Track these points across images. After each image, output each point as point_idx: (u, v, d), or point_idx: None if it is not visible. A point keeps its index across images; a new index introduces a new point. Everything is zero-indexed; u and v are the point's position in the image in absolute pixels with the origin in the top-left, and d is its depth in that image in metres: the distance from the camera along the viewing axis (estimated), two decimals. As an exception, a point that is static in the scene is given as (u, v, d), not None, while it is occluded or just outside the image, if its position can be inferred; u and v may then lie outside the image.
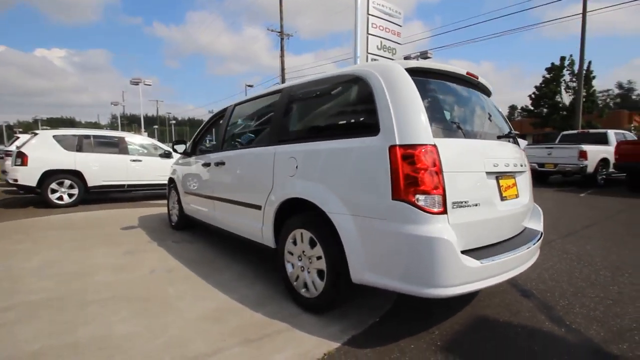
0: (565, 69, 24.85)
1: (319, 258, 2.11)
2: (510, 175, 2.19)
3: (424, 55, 18.60)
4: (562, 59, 25.07)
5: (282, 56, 28.40)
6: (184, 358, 1.72)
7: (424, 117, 1.75)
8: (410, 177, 1.66)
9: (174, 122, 59.77)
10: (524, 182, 2.32)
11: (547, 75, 25.59)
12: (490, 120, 2.32)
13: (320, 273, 2.12)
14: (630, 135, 11.09)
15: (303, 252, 2.24)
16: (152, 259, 3.29)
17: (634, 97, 53.53)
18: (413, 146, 1.69)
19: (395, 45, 13.13)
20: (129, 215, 5.62)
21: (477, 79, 2.34)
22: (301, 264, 2.27)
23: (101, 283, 2.69)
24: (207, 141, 4.23)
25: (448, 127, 1.91)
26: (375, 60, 12.29)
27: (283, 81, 28.63)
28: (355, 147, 1.91)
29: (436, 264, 1.61)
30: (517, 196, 2.20)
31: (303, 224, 2.22)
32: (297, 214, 2.33)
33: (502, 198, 2.03)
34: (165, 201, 7.23)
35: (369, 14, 11.99)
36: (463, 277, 1.65)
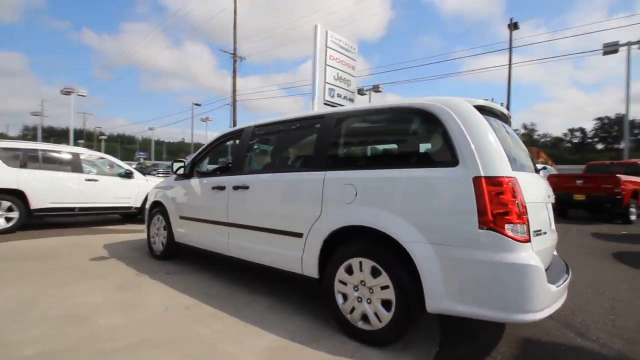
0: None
1: (384, 288, 2.07)
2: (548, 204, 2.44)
3: (375, 89, 20.05)
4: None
5: (234, 77, 28.15)
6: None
7: (501, 150, 1.90)
8: (499, 207, 1.77)
9: (104, 137, 54.22)
10: (551, 211, 2.60)
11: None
12: (524, 152, 2.58)
13: (385, 303, 2.08)
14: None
15: (362, 282, 2.18)
16: (155, 295, 2.88)
17: (534, 136, 63.44)
18: (498, 178, 1.80)
19: (350, 77, 14.01)
20: (89, 243, 4.88)
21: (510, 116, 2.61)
22: (358, 294, 2.20)
23: (112, 326, 2.27)
24: (211, 163, 3.94)
25: (512, 161, 2.09)
26: (332, 89, 12.93)
27: (234, 102, 28.24)
28: (433, 177, 1.97)
29: (529, 289, 1.70)
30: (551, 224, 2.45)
31: (364, 253, 2.17)
32: (351, 242, 2.28)
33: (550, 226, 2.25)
34: (124, 226, 6.53)
35: (327, 47, 12.70)
36: (547, 301, 1.76)
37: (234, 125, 28.59)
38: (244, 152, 3.19)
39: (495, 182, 1.80)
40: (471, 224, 1.80)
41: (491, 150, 1.87)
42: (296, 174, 2.66)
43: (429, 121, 2.13)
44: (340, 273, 2.29)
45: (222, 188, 3.19)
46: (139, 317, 2.43)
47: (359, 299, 2.20)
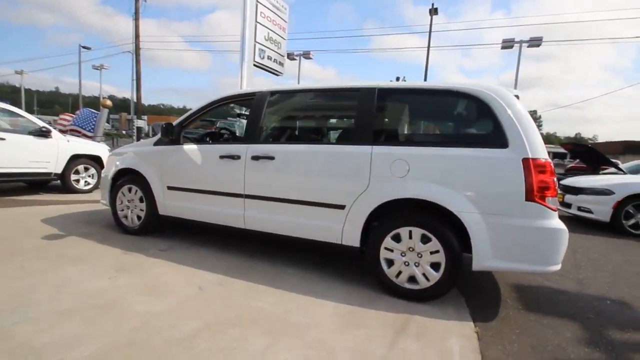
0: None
1: (434, 252, 2.35)
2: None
3: (306, 55, 19.68)
4: (397, 78, 31.38)
5: (136, 19, 24.00)
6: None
7: (540, 136, 2.28)
8: (541, 183, 2.16)
9: None
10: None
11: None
12: None
13: (433, 265, 2.36)
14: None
15: (410, 248, 2.41)
16: (170, 274, 2.60)
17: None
18: (542, 160, 2.19)
19: (281, 40, 13.52)
20: (15, 219, 3.92)
21: None
22: (405, 259, 2.43)
23: (157, 313, 2.02)
24: (206, 128, 3.48)
25: None
26: (262, 50, 12.34)
27: (137, 49, 24.23)
28: (486, 157, 2.25)
29: (559, 247, 2.18)
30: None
31: (414, 223, 2.39)
32: (397, 213, 2.46)
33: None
34: (38, 196, 5.39)
35: (258, 2, 11.89)
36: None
37: (138, 77, 24.75)
38: (260, 119, 2.97)
39: (539, 163, 2.18)
40: (519, 197, 2.17)
41: (535, 136, 2.24)
42: (338, 147, 2.65)
43: (479, 106, 2.38)
44: (387, 241, 2.47)
45: (235, 157, 2.94)
46: (177, 300, 2.21)
47: (406, 264, 2.44)
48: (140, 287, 2.35)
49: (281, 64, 13.29)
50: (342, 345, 1.83)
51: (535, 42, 15.38)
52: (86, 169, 6.06)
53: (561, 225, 2.20)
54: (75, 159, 5.84)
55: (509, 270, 2.27)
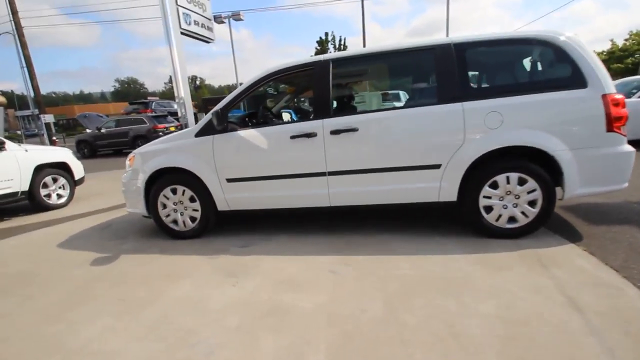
0: (330, 42, 30.99)
1: (530, 192, 2.61)
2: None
3: (236, 17, 18.00)
4: (326, 34, 31.01)
5: (8, -9, 19.40)
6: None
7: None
8: (618, 115, 2.48)
9: None
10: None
11: (318, 48, 31.01)
12: None
13: (530, 203, 2.64)
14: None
15: (507, 192, 2.64)
16: (285, 267, 2.49)
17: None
18: (616, 94, 2.49)
19: (205, 1, 12.31)
20: (25, 252, 3.25)
21: None
22: (504, 202, 2.67)
23: (332, 306, 1.96)
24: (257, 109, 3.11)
25: None
26: (187, 14, 11.18)
27: (18, 26, 19.79)
28: (571, 98, 2.49)
29: (630, 166, 2.58)
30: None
31: (511, 168, 2.59)
32: (491, 163, 2.63)
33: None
34: (27, 219, 4.61)
35: None
36: (628, 173, 2.73)
37: (28, 63, 20.49)
38: (328, 91, 2.79)
39: (615, 98, 2.48)
40: (601, 129, 2.48)
41: (606, 75, 2.52)
42: (427, 109, 2.66)
43: (556, 51, 2.56)
44: (485, 190, 2.67)
45: (310, 135, 2.78)
46: (328, 289, 2.16)
47: (505, 207, 2.68)
48: (273, 285, 2.23)
49: (209, 28, 12.07)
50: (515, 287, 2.02)
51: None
52: (55, 180, 5.11)
53: (631, 148, 2.60)
54: (39, 170, 4.88)
55: (592, 194, 2.65)
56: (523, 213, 2.66)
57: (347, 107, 2.99)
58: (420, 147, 2.69)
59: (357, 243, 2.83)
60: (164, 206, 3.24)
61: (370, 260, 2.49)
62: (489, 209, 2.72)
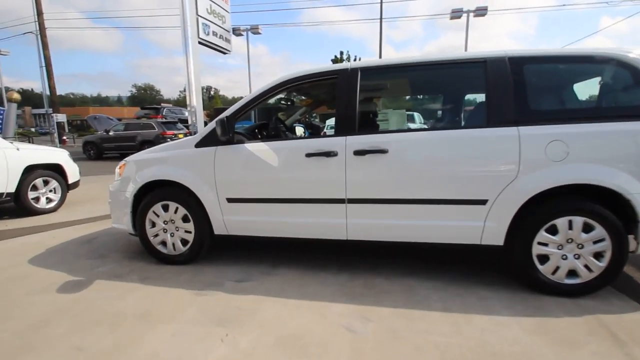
0: (345, 61, 31.12)
1: (597, 241, 2.09)
2: None
3: (254, 30, 18.09)
4: (341, 53, 31.23)
5: (35, -8, 19.94)
6: None
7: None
8: None
9: None
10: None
11: (334, 65, 31.33)
12: None
13: (597, 255, 2.12)
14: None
15: (568, 239, 2.13)
16: (289, 317, 2.00)
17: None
18: None
19: (225, 13, 12.30)
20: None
21: None
22: (563, 252, 2.15)
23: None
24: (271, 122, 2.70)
25: None
26: (206, 25, 11.11)
27: (41, 26, 20.23)
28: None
29: None
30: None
31: (576, 210, 2.09)
32: (550, 202, 2.14)
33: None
34: (7, 223, 4.15)
35: None
36: None
37: (47, 63, 20.78)
38: (354, 104, 2.36)
39: None
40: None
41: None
42: (473, 132, 2.20)
43: (631, 72, 2.10)
44: (541, 235, 2.17)
45: (330, 154, 2.34)
46: (346, 356, 1.65)
47: (564, 257, 2.16)
48: (273, 345, 1.73)
49: (227, 40, 12.05)
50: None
51: (480, 11, 16.10)
52: (46, 183, 4.73)
53: None
54: (29, 170, 4.51)
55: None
56: (586, 266, 2.14)
57: (375, 125, 2.56)
58: (463, 177, 2.21)
59: (377, 288, 2.32)
60: (153, 224, 2.79)
61: (398, 316, 1.98)
62: (543, 258, 2.21)
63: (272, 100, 2.94)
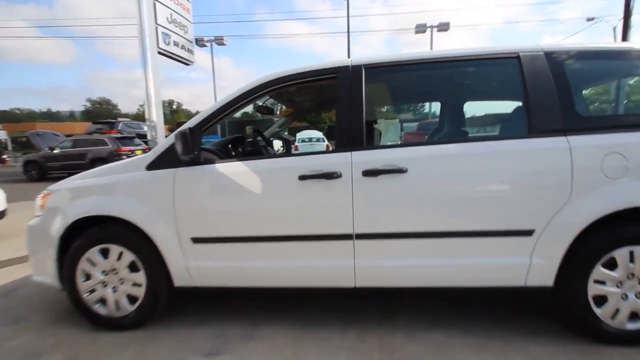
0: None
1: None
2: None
3: (219, 41, 17.32)
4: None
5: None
6: None
7: None
8: None
9: None
10: None
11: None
12: None
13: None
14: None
15: (630, 274, 1.71)
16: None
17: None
18: None
19: (187, 23, 11.66)
20: None
21: None
22: (623, 290, 1.73)
23: None
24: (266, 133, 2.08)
25: None
26: (166, 34, 10.45)
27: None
28: None
29: None
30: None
31: (636, 239, 1.69)
32: (605, 230, 1.72)
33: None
34: None
35: None
36: None
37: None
38: (361, 111, 1.83)
39: None
40: None
41: None
42: (514, 144, 1.74)
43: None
44: (598, 271, 1.73)
45: (331, 175, 1.77)
46: None
47: (624, 297, 1.74)
48: None
49: (190, 51, 11.35)
50: None
51: (443, 27, 16.68)
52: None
53: None
54: None
55: None
56: (653, 307, 1.73)
57: (389, 136, 2.06)
58: (502, 202, 1.73)
59: (400, 351, 1.75)
60: (87, 276, 2.05)
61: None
62: (600, 299, 1.77)
63: (246, 109, 2.35)
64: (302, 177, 1.80)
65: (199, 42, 16.62)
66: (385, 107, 2.45)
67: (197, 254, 1.94)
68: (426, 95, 2.21)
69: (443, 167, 1.76)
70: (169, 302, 2.09)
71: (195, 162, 1.90)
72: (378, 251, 1.82)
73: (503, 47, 1.88)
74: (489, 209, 1.74)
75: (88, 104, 76.29)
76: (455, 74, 1.96)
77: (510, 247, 1.75)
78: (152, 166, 1.97)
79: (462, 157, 1.76)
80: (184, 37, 10.95)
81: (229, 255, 1.92)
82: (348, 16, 16.94)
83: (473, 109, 2.21)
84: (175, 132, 1.81)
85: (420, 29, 16.62)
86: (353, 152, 1.80)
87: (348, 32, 17.35)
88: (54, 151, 11.25)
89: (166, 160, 1.94)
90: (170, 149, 1.90)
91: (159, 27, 9.59)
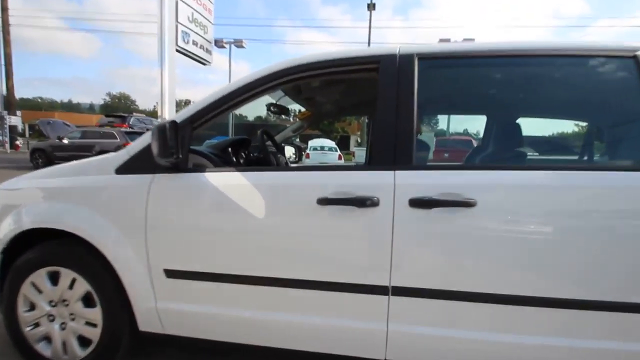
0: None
1: None
2: None
3: (238, 44, 17.17)
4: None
5: (0, -16, 18.53)
6: None
7: None
8: None
9: None
10: None
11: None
12: None
13: None
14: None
15: None
16: None
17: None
18: None
19: (207, 23, 11.60)
20: None
21: None
22: None
23: None
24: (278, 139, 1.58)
25: None
26: (186, 33, 10.39)
27: (4, 23, 18.61)
28: None
29: None
30: None
31: None
32: None
33: None
34: None
35: None
36: None
37: (8, 62, 19.04)
38: (409, 115, 1.32)
39: None
40: None
41: None
42: (634, 176, 1.19)
43: None
44: None
45: (363, 202, 1.24)
46: None
47: None
48: None
49: (208, 51, 11.27)
50: None
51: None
52: None
53: None
54: None
55: None
56: None
57: (450, 152, 1.52)
58: (622, 259, 1.18)
59: None
60: (31, 305, 1.55)
61: None
62: None
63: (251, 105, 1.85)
64: (323, 201, 1.27)
65: (218, 44, 16.46)
66: (439, 115, 1.94)
67: (171, 292, 1.42)
68: (500, 101, 1.66)
69: (534, 202, 1.20)
70: (134, 349, 1.58)
71: (179, 168, 1.40)
72: (423, 314, 1.27)
73: (614, 43, 1.34)
74: (599, 268, 1.18)
75: (107, 98, 77.95)
76: (541, 73, 1.40)
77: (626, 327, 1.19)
78: (123, 169, 1.48)
79: (562, 190, 1.20)
80: (203, 37, 10.85)
81: (213, 298, 1.40)
82: (370, 27, 16.66)
83: (559, 123, 1.66)
84: (155, 125, 1.32)
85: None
86: (397, 172, 1.27)
87: (369, 43, 17.06)
88: (63, 141, 11.08)
89: (142, 164, 1.45)
90: (147, 150, 1.40)
91: (179, 25, 9.51)
